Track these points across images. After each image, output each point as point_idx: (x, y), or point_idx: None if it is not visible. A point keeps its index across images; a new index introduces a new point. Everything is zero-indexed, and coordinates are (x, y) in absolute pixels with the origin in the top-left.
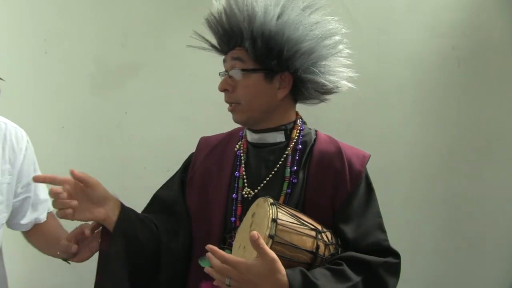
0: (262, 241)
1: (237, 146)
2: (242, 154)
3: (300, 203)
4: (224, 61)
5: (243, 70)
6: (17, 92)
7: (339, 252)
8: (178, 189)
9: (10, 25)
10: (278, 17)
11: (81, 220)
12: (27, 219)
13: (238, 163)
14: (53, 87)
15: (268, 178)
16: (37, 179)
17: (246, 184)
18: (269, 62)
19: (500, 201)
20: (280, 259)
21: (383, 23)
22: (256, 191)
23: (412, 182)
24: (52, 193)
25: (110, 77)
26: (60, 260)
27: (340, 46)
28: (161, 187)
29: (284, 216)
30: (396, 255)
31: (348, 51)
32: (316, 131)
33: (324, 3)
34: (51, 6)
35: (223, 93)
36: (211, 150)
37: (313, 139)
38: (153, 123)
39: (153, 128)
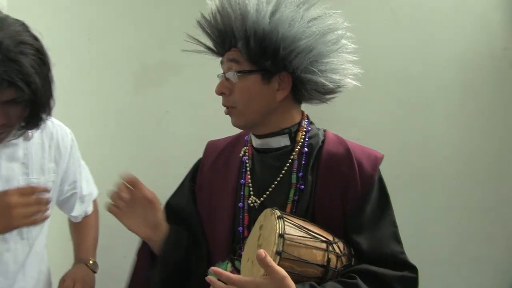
0: (269, 259)
1: (242, 152)
2: (247, 161)
3: (309, 210)
4: (221, 63)
5: (238, 72)
6: (61, 91)
7: (352, 263)
8: (189, 199)
9: (54, 24)
10: (271, 15)
11: (124, 225)
12: (77, 212)
13: (243, 169)
14: (96, 86)
15: (273, 186)
16: (125, 177)
17: (252, 193)
18: (264, 63)
19: None
20: (289, 275)
21: (429, 23)
22: (262, 199)
23: (457, 187)
24: (118, 187)
25: (152, 76)
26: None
27: (343, 41)
28: (172, 195)
29: (292, 229)
30: (413, 269)
31: (353, 45)
32: (324, 131)
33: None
34: (94, 5)
35: None
36: (218, 155)
37: (320, 141)
38: (193, 122)
39: (194, 127)
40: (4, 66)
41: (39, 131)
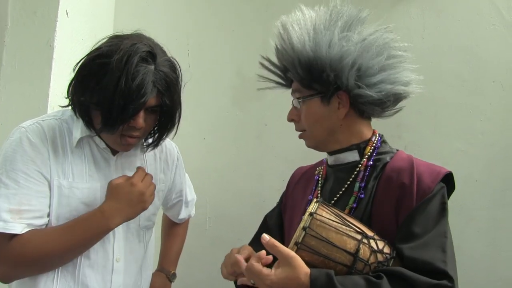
0: (273, 241)
1: (316, 171)
2: (320, 179)
3: (365, 217)
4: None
5: (298, 98)
6: None
7: (390, 264)
8: (276, 220)
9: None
10: (310, 42)
11: None
12: (183, 215)
13: (314, 187)
14: (196, 99)
15: (338, 195)
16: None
17: None
18: (317, 86)
19: None
20: (313, 255)
21: (470, 23)
22: None
23: None
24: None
25: (250, 89)
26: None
27: (396, 53)
28: (272, 210)
29: (328, 214)
30: (451, 279)
31: (408, 55)
32: (397, 150)
33: (363, 17)
34: (193, 20)
35: None
36: (300, 177)
37: (389, 157)
38: (291, 136)
39: (292, 140)
40: (154, 75)
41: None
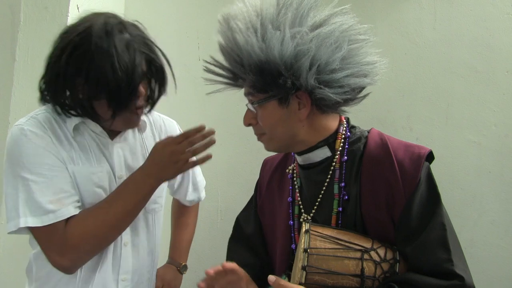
0: (280, 281)
1: (288, 170)
2: (295, 178)
3: (358, 220)
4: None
5: (252, 103)
6: (172, 98)
7: (397, 269)
8: (255, 227)
9: (165, 35)
10: (260, 43)
11: None
12: (191, 197)
13: (291, 187)
14: (204, 91)
15: (319, 199)
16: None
17: (302, 210)
18: (273, 89)
19: None
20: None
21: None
22: (312, 215)
23: None
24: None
25: None
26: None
27: (357, 37)
28: (245, 213)
29: (321, 242)
30: (461, 278)
31: (368, 38)
32: (368, 132)
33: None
34: (203, 13)
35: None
36: (272, 174)
37: (362, 146)
38: None
39: None
40: (134, 42)
41: (150, 125)
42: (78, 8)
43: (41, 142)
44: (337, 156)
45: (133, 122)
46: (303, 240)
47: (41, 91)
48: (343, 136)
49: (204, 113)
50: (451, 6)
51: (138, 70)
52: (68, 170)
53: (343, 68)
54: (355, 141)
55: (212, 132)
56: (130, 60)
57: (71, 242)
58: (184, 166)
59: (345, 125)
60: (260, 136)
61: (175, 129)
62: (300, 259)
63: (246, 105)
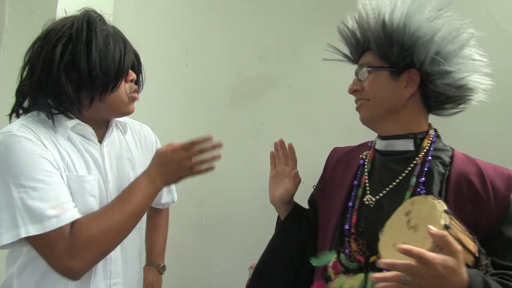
0: (444, 233)
1: (363, 156)
2: (366, 164)
3: None
4: (356, 71)
5: (368, 67)
6: (159, 104)
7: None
8: (311, 200)
9: (152, 40)
10: (395, 11)
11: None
12: (165, 199)
13: (359, 172)
14: (193, 99)
15: (391, 186)
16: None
17: (368, 191)
18: (393, 59)
19: None
20: None
21: None
22: (378, 197)
23: None
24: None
25: (248, 89)
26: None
27: (470, 49)
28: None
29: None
30: None
31: (479, 57)
32: (452, 148)
33: (448, 3)
34: (191, 19)
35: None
36: (339, 160)
37: (448, 156)
38: (288, 135)
39: (289, 140)
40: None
41: (130, 130)
42: (65, 12)
43: (37, 148)
44: (421, 154)
45: (129, 105)
46: (439, 204)
47: (23, 97)
48: (431, 139)
49: (192, 120)
50: None
51: (128, 56)
52: (63, 178)
53: (459, 64)
54: (441, 149)
55: (220, 145)
56: (123, 43)
57: (79, 245)
58: (190, 172)
59: (433, 131)
60: (362, 102)
61: (151, 135)
62: (441, 218)
63: (357, 73)
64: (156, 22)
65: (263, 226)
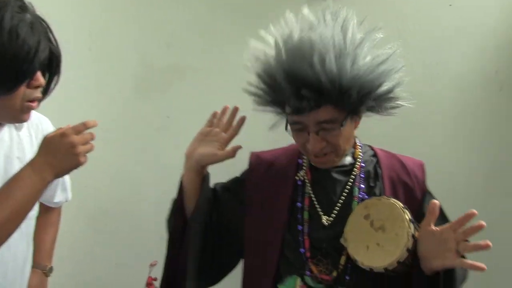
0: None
1: (299, 176)
2: (307, 185)
3: None
4: (298, 121)
5: (341, 125)
6: (59, 90)
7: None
8: (238, 207)
9: (54, 19)
10: (353, 63)
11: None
12: (59, 198)
13: (300, 193)
14: (95, 86)
15: (341, 201)
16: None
17: (321, 212)
18: (353, 106)
19: None
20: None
21: (432, 43)
22: (333, 215)
23: (455, 203)
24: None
25: (154, 79)
26: None
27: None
28: (222, 184)
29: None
30: None
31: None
32: (369, 146)
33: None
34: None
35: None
36: (266, 170)
37: (371, 155)
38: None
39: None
40: (36, 24)
41: (26, 124)
42: None
43: None
44: (358, 164)
45: (22, 114)
46: (397, 203)
47: None
48: (359, 146)
49: (93, 108)
50: None
51: (39, 56)
52: None
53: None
54: (365, 151)
55: (95, 124)
56: (38, 38)
57: None
58: (84, 159)
59: (356, 137)
60: (324, 155)
61: (50, 129)
62: (406, 214)
63: (317, 132)
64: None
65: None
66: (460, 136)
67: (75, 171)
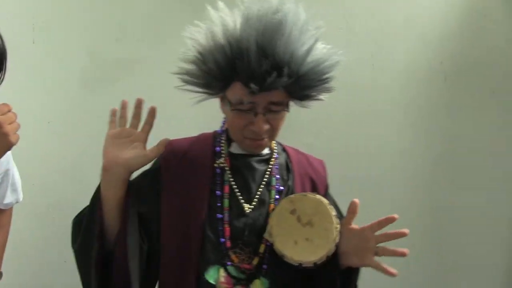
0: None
1: (218, 164)
2: (227, 172)
3: None
4: (250, 100)
5: (287, 106)
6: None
7: None
8: (155, 198)
9: None
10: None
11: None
12: (9, 199)
13: (219, 181)
14: (41, 79)
15: (261, 189)
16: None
17: (242, 200)
18: (303, 92)
19: (483, 213)
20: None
21: (380, 35)
22: (254, 203)
23: (402, 192)
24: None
25: (102, 72)
26: None
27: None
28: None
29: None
30: None
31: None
32: (277, 141)
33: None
34: None
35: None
36: (181, 158)
37: (281, 149)
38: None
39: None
40: None
41: None
42: None
43: None
44: (275, 154)
45: None
46: (322, 199)
47: None
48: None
49: (38, 103)
50: None
51: None
52: None
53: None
54: (277, 145)
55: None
56: None
57: None
58: (15, 138)
59: None
60: (263, 139)
61: None
62: (332, 209)
63: (264, 113)
64: None
65: None
66: (408, 126)
67: (23, 168)
